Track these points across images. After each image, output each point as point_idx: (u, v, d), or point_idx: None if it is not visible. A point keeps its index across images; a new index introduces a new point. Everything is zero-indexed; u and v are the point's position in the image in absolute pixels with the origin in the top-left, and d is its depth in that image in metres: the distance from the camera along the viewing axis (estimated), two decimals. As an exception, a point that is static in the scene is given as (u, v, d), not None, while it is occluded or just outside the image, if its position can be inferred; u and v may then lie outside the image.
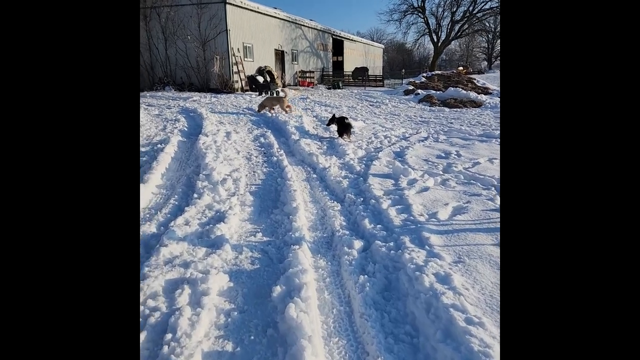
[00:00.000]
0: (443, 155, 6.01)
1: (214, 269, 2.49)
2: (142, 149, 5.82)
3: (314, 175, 5.03)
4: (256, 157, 5.86)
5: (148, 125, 7.76)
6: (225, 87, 17.91)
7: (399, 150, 6.47)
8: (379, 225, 3.30)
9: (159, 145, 5.90)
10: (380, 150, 6.33)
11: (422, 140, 7.28)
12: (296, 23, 24.15)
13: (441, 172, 4.98)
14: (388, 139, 7.36)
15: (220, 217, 3.44)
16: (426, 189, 4.29)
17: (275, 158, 5.67)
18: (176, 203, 3.87)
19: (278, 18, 22.09)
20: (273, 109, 10.66)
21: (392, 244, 2.89)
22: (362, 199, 4.04)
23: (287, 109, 10.44)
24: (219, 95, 15.40)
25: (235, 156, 5.67)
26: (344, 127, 7.21)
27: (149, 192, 4.10)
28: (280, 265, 2.72)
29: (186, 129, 7.52)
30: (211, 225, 3.21)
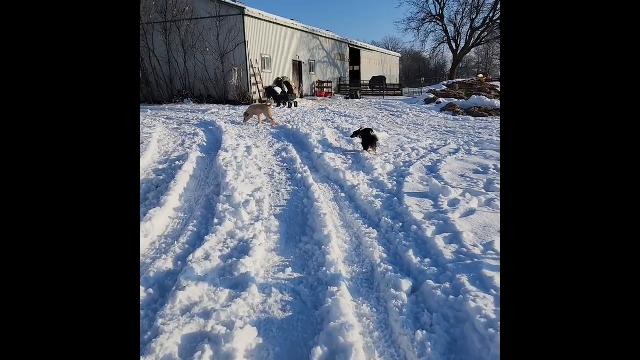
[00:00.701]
0: (480, 170, 5.52)
1: (239, 320, 2.09)
2: (159, 167, 5.52)
3: (342, 194, 4.62)
4: (279, 173, 5.49)
5: (166, 140, 7.51)
6: (243, 98, 17.77)
7: (430, 164, 6.01)
8: (426, 259, 2.85)
9: (177, 162, 5.60)
10: (411, 165, 5.88)
11: (453, 153, 6.80)
12: (313, 34, 24.02)
13: (483, 190, 4.49)
14: (416, 151, 6.91)
15: (244, 248, 3.06)
16: (472, 211, 3.82)
17: (299, 175, 5.28)
18: (195, 230, 3.50)
19: (296, 29, 21.98)
20: (258, 117, 10.47)
21: (447, 285, 2.43)
22: (400, 223, 3.60)
23: (271, 119, 10.27)
24: (237, 107, 15.22)
25: (257, 173, 5.31)
26: (369, 139, 6.80)
27: (165, 216, 3.75)
28: (316, 313, 2.29)
29: (205, 144, 7.24)
30: (234, 259, 2.82)
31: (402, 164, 6.00)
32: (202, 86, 18.69)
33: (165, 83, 19.02)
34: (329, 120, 11.51)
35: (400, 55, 46.77)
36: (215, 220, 3.59)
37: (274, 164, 6.05)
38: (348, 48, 29.69)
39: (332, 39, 26.64)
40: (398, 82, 34.21)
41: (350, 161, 6.28)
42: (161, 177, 4.95)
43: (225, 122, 10.30)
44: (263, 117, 10.41)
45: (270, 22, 19.46)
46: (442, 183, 4.74)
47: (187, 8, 17.32)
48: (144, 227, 3.35)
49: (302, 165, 5.78)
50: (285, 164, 6.05)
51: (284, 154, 6.69)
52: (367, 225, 3.67)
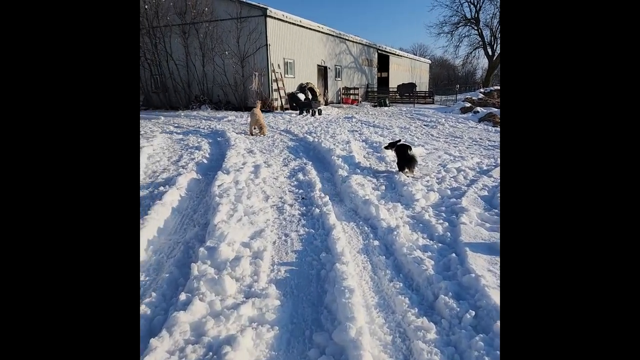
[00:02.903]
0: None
1: None
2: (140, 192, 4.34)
3: (376, 242, 3.28)
4: (291, 206, 4.19)
5: (160, 156, 6.33)
6: (263, 105, 16.67)
7: (487, 194, 4.59)
8: None
9: (161, 188, 4.39)
10: (462, 194, 4.47)
11: (515, 178, 5.33)
12: (340, 37, 22.82)
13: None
14: (463, 173, 5.50)
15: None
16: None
17: (317, 209, 3.97)
18: (148, 313, 2.24)
19: (321, 32, 20.83)
20: (250, 127, 9.26)
21: None
22: (472, 312, 2.23)
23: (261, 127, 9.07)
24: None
25: (261, 206, 4.04)
26: (407, 160, 5.44)
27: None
28: None
29: (205, 161, 6.03)
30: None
31: (449, 192, 4.60)
32: (221, 92, 17.75)
33: (182, 88, 18.20)
34: (356, 131, 10.18)
35: (430, 61, 44.98)
36: (182, 297, 2.31)
37: (286, 191, 4.76)
38: (376, 53, 28.33)
39: (359, 43, 25.36)
40: (428, 90, 32.52)
41: (383, 187, 4.93)
42: (133, 211, 3.74)
43: (237, 133, 9.14)
44: (256, 128, 9.19)
45: (295, 24, 18.36)
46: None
47: (207, 9, 16.44)
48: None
49: (322, 194, 4.47)
50: (300, 191, 4.75)
51: (300, 175, 5.39)
52: (416, 309, 2.31)
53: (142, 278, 2.69)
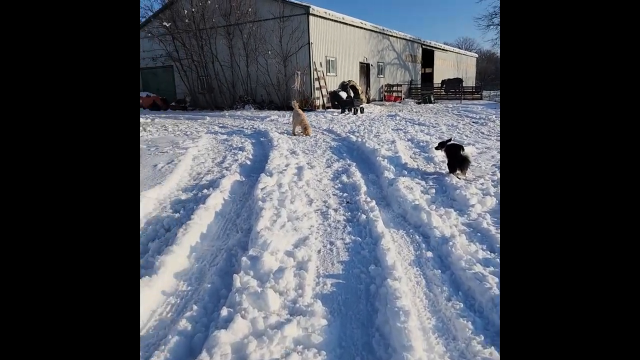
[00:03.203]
0: None
1: None
2: (182, 196, 4.30)
3: (429, 254, 3.00)
4: (335, 210, 3.99)
5: (204, 157, 6.36)
6: (305, 104, 16.63)
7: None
8: None
9: (205, 191, 4.34)
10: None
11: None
12: (383, 33, 22.31)
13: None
14: (523, 176, 5.00)
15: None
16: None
17: (363, 215, 3.74)
18: (189, 329, 2.12)
19: (364, 29, 20.45)
20: (293, 127, 9.05)
21: None
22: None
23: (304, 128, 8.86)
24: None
25: (305, 210, 3.87)
26: (459, 160, 5.07)
27: (154, 297, 2.41)
28: None
29: (249, 163, 5.97)
30: None
31: (509, 198, 4.18)
32: (264, 91, 17.91)
33: (227, 89, 18.55)
34: (401, 129, 9.80)
35: (477, 55, 43.07)
36: (224, 312, 2.18)
37: (330, 194, 4.57)
38: (420, 48, 27.47)
39: (403, 38, 24.68)
40: (474, 85, 31.10)
41: (433, 190, 4.61)
42: (177, 216, 3.69)
43: (279, 133, 9.08)
44: (299, 128, 9.06)
45: (337, 21, 18.13)
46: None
47: (250, 9, 16.60)
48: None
49: (368, 198, 4.23)
50: (345, 195, 4.53)
51: (344, 177, 5.18)
52: (482, 336, 2.03)
53: (184, 287, 2.60)
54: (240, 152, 6.68)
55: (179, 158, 5.61)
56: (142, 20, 20.72)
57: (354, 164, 5.95)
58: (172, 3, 18.15)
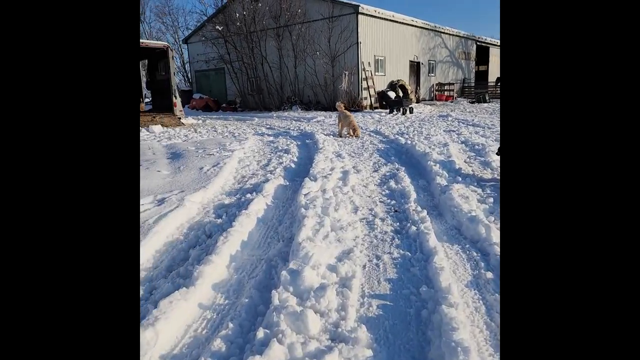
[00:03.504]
0: None
1: None
2: (226, 200, 4.24)
3: (489, 275, 2.66)
4: (382, 220, 3.73)
5: (250, 160, 6.32)
6: (352, 104, 16.38)
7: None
8: None
9: (248, 195, 4.25)
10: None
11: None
12: (435, 30, 21.48)
13: None
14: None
15: None
16: None
17: (413, 227, 3.45)
18: (223, 351, 1.98)
19: (415, 26, 19.80)
20: (340, 128, 8.72)
21: None
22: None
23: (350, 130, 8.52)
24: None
25: (350, 219, 3.65)
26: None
27: (190, 309, 2.31)
28: None
29: (293, 166, 5.84)
30: None
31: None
32: (311, 92, 17.88)
33: (275, 90, 18.75)
34: (453, 131, 9.27)
35: (537, 51, 40.37)
36: (260, 334, 2.02)
37: (377, 201, 4.31)
38: (475, 45, 26.20)
39: (456, 35, 23.64)
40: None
41: (491, 199, 4.19)
42: (219, 221, 3.61)
43: (325, 134, 8.91)
44: (346, 129, 8.78)
45: (387, 19, 17.69)
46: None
47: (300, 10, 16.62)
48: (142, 337, 1.95)
49: (418, 207, 3.93)
50: (392, 202, 4.25)
51: (392, 183, 4.89)
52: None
53: (221, 301, 2.48)
54: (286, 154, 6.58)
55: (224, 161, 5.61)
56: (197, 25, 21.52)
57: (403, 168, 5.63)
58: (224, 7, 18.65)
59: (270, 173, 5.24)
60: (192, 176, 4.95)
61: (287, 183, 4.91)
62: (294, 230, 3.38)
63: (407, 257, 2.98)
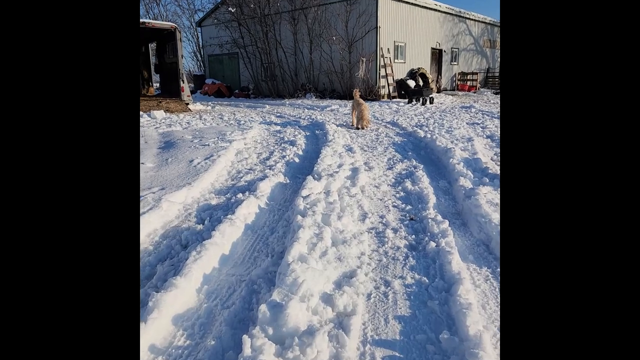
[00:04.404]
0: None
1: None
2: (212, 200, 3.67)
3: (529, 315, 2.02)
4: (395, 231, 3.11)
5: (249, 152, 5.71)
6: (369, 93, 15.61)
7: None
8: None
9: (240, 195, 3.68)
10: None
11: None
12: (460, 16, 20.35)
13: None
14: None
15: None
16: None
17: (432, 242, 2.83)
18: None
19: (439, 11, 18.74)
20: (353, 118, 8.04)
21: None
22: None
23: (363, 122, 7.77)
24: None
25: (355, 230, 3.05)
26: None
27: (143, 348, 1.76)
28: None
29: (297, 160, 5.23)
30: None
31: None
32: (327, 79, 17.14)
33: (290, 76, 18.08)
34: (478, 124, 8.49)
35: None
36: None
37: (389, 205, 3.69)
38: (501, 33, 24.84)
39: (482, 22, 22.41)
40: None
41: (525, 208, 3.50)
42: (199, 227, 3.05)
43: (337, 125, 8.26)
44: (363, 121, 8.02)
45: (408, 2, 16.72)
46: None
47: (316, -8, 15.82)
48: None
49: (438, 215, 3.30)
50: (408, 208, 3.63)
51: (408, 183, 4.25)
52: None
53: (180, 342, 1.92)
54: (291, 146, 5.98)
55: (219, 153, 5.02)
56: (211, 6, 20.89)
57: (421, 166, 4.97)
58: (239, -11, 17.95)
59: (270, 168, 4.64)
60: (179, 170, 4.39)
61: (288, 181, 4.31)
62: (287, 243, 2.80)
63: (423, 285, 2.37)
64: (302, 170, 4.78)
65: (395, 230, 3.14)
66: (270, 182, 3.99)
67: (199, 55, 26.93)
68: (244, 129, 7.52)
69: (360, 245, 2.82)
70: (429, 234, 3.03)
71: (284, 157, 5.28)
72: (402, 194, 4.03)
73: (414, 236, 3.04)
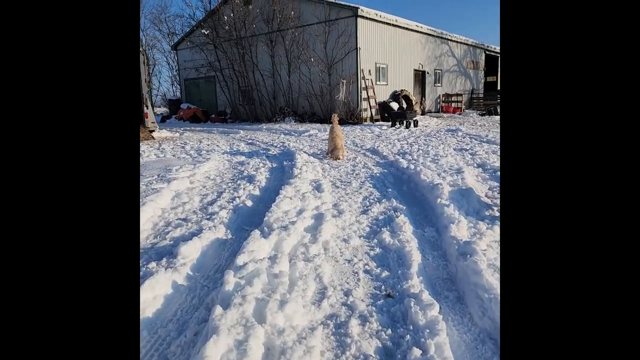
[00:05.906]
0: None
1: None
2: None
3: None
4: (363, 320, 2.15)
5: (192, 194, 4.63)
6: (351, 117, 14.88)
7: None
8: None
9: (152, 265, 2.67)
10: None
11: None
12: (442, 37, 20.06)
13: None
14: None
15: None
16: None
17: (415, 348, 1.86)
18: None
19: (420, 32, 18.37)
20: (329, 149, 7.08)
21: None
22: None
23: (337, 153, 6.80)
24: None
25: (304, 324, 2.07)
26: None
27: None
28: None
29: (250, 204, 4.25)
30: None
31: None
32: (306, 102, 16.41)
33: (268, 100, 17.33)
34: (466, 149, 7.69)
35: (547, 61, 38.94)
36: None
37: (359, 272, 2.73)
38: (484, 54, 24.76)
39: (464, 43, 22.22)
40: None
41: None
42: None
43: (309, 155, 7.36)
44: (336, 151, 7.03)
45: (389, 24, 16.27)
46: None
47: (293, 13, 15.25)
48: None
49: (423, 287, 2.37)
50: (383, 275, 2.68)
51: (386, 234, 3.32)
52: None
53: None
54: (248, 184, 5.00)
55: (148, 198, 4.00)
56: (186, 30, 20.26)
57: (403, 207, 4.05)
58: (213, 12, 17.34)
59: (210, 218, 3.63)
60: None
61: (229, 236, 3.32)
62: (198, 348, 1.80)
63: None
64: (253, 217, 3.80)
65: (363, 319, 2.17)
66: (203, 240, 2.99)
67: (178, 79, 26.13)
68: (199, 161, 6.54)
69: (308, 355, 1.83)
70: (411, 327, 2.08)
71: (233, 199, 4.29)
72: (377, 250, 3.09)
73: (390, 330, 2.08)
